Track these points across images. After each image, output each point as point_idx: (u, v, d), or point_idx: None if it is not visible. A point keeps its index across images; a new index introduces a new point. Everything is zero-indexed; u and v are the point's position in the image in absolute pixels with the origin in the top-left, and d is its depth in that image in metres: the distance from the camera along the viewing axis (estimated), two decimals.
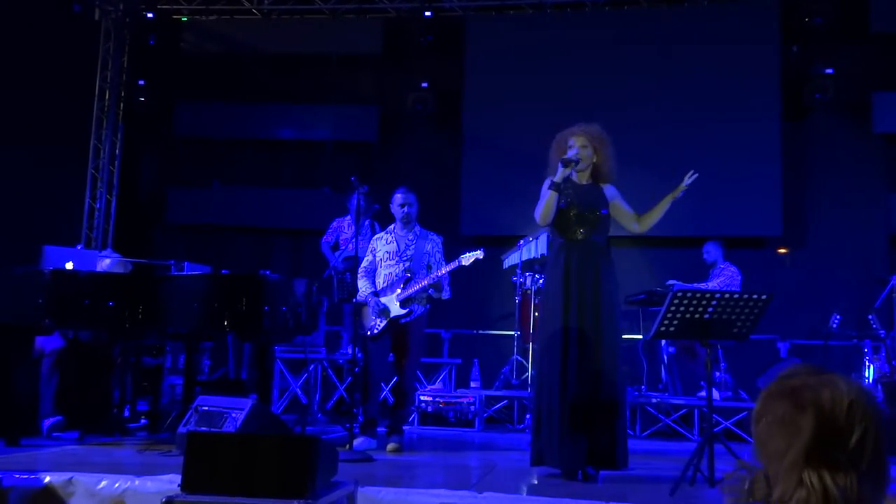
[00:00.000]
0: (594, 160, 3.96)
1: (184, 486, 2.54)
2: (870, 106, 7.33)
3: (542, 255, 6.38)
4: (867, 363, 5.58)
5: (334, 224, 6.76)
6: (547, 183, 3.89)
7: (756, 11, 7.70)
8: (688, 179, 3.91)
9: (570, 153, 3.90)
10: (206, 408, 3.91)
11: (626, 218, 4.00)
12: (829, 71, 7.45)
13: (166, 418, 5.10)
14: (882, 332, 5.56)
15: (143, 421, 5.32)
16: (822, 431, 1.27)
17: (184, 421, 4.03)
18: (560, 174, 3.83)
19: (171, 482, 3.10)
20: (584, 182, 3.98)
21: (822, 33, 7.49)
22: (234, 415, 3.77)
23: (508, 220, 7.38)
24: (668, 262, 7.31)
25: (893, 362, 5.35)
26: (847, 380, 1.32)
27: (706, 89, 7.63)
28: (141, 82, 8.53)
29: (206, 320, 4.61)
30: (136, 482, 3.24)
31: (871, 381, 5.45)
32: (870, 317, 5.63)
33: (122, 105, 8.62)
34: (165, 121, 8.49)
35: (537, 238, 6.39)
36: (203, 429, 3.76)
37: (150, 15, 8.44)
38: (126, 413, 5.20)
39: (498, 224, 7.65)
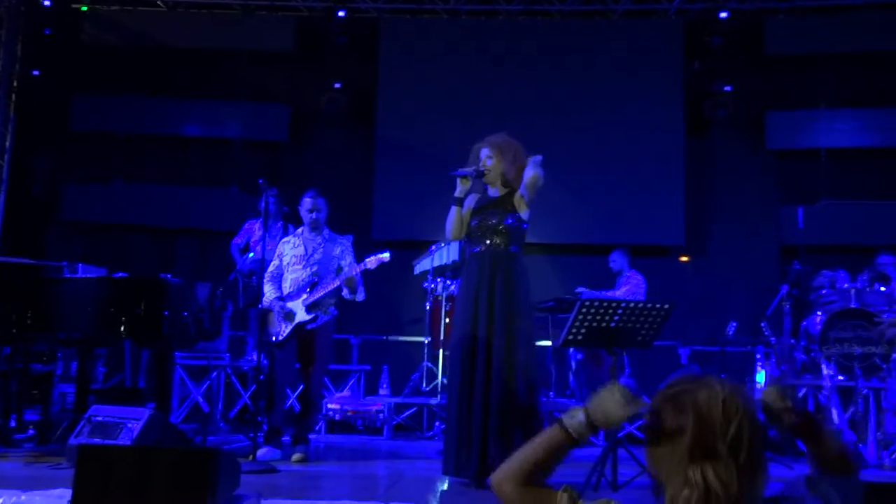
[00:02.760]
0: (499, 170, 4.00)
1: (74, 501, 2.42)
2: (763, 124, 7.75)
3: (453, 261, 6.43)
4: (759, 368, 5.75)
5: (246, 226, 6.65)
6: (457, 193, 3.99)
7: (662, 28, 8.01)
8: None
9: (485, 164, 4.00)
10: (100, 418, 3.80)
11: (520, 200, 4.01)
12: (727, 88, 7.79)
13: (57, 429, 4.87)
14: (773, 338, 5.80)
15: (30, 432, 5.10)
16: (702, 428, 1.40)
17: (75, 432, 3.89)
18: (459, 189, 3.93)
19: (60, 497, 3.01)
20: (499, 191, 4.03)
21: (722, 53, 7.85)
22: (129, 425, 3.67)
23: (420, 226, 7.37)
24: (577, 270, 7.44)
25: (782, 367, 5.59)
26: (721, 380, 1.47)
27: (615, 101, 7.86)
28: (35, 73, 8.21)
29: (101, 325, 4.42)
30: (23, 497, 3.10)
31: (762, 385, 5.63)
32: (762, 324, 5.86)
33: (14, 96, 8.21)
34: (62, 114, 8.16)
35: (449, 244, 6.39)
36: (96, 441, 3.65)
37: (46, 3, 8.13)
38: (12, 423, 4.94)
39: (410, 229, 7.64)
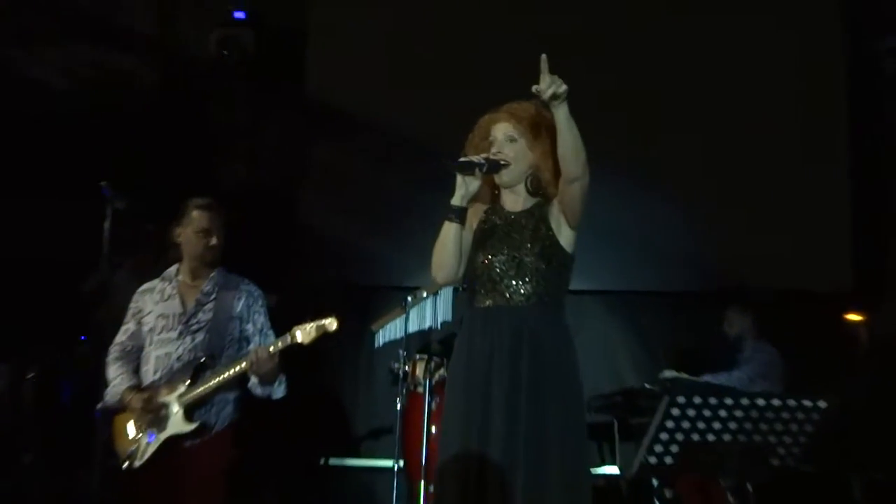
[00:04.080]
0: (529, 161, 3.97)
1: None
2: None
3: (443, 323, 6.49)
4: None
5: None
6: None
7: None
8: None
9: (502, 152, 3.92)
10: None
11: (561, 189, 3.83)
12: None
13: None
14: None
15: None
16: None
17: None
18: (458, 194, 3.86)
19: None
20: (522, 202, 4.02)
21: None
22: None
23: (386, 261, 7.45)
24: (659, 337, 7.60)
25: None
26: None
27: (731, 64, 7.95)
28: None
29: None
30: None
31: None
32: None
33: None
34: None
35: (437, 294, 6.48)
36: None
37: None
38: None
39: (367, 266, 7.68)
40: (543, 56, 3.56)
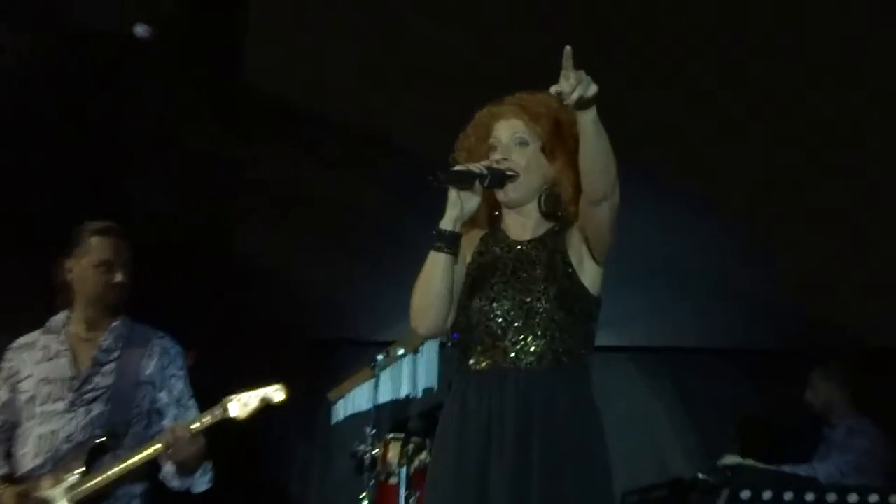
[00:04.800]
0: (545, 173, 3.92)
1: None
2: None
3: (425, 390, 6.51)
4: None
5: None
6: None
7: None
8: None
9: (511, 159, 3.89)
10: None
11: (584, 211, 3.79)
12: None
13: None
14: None
15: None
16: None
17: None
18: (451, 214, 3.78)
19: None
20: (528, 231, 3.97)
21: None
22: None
23: (350, 306, 7.56)
24: (714, 409, 7.57)
25: None
26: None
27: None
28: None
29: None
30: None
31: None
32: None
33: None
34: None
35: (417, 352, 6.50)
36: None
37: None
38: None
39: (324, 314, 7.76)
40: (567, 49, 3.46)
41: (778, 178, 7.76)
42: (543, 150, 3.90)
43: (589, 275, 3.84)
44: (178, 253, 6.54)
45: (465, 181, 3.75)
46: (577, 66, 3.37)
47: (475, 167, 3.78)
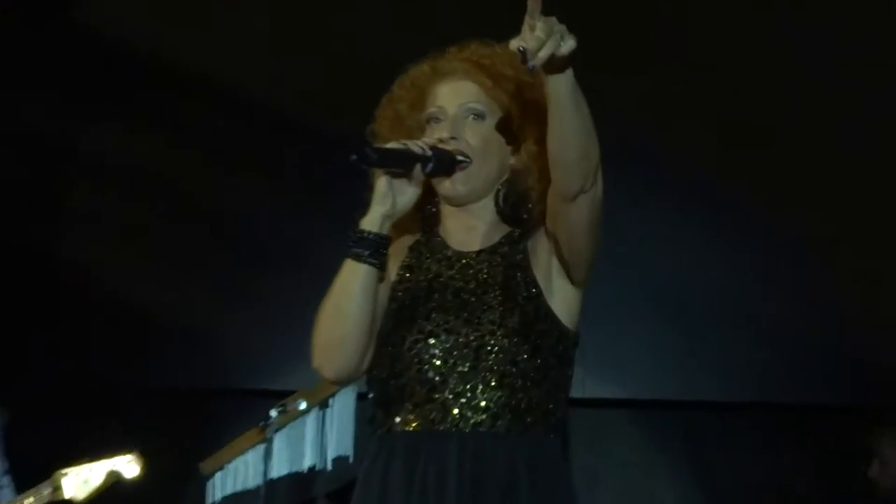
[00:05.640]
0: (505, 158, 3.86)
1: None
2: None
3: (335, 459, 6.56)
4: None
5: None
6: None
7: None
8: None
9: (462, 137, 3.80)
10: None
11: (553, 210, 3.79)
12: None
13: None
14: None
15: None
16: None
17: None
18: (378, 211, 3.67)
19: None
20: (478, 238, 3.88)
21: None
22: None
23: (232, 347, 8.00)
24: (740, 480, 8.05)
25: None
26: None
27: None
28: None
29: None
30: None
31: None
32: None
33: None
34: None
35: (325, 407, 6.53)
36: None
37: None
38: None
39: (197, 358, 8.12)
40: None
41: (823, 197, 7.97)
42: (505, 127, 3.81)
43: (561, 300, 3.73)
44: None
45: (401, 164, 3.63)
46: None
47: (416, 146, 3.64)
